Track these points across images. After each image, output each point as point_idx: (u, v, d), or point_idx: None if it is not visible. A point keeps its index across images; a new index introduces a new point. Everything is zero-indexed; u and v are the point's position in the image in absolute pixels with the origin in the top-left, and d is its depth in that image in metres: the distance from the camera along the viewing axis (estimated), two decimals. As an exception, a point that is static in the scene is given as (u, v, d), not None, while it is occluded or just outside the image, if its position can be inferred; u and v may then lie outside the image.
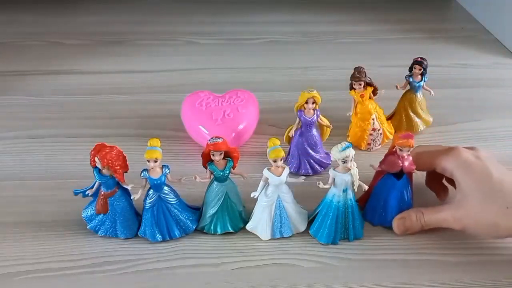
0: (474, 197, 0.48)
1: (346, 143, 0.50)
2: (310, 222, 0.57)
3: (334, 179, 0.53)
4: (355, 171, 0.52)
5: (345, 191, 0.53)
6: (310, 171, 0.65)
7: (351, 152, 0.50)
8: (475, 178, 0.49)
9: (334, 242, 0.55)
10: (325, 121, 0.64)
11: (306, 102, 0.61)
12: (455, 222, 0.50)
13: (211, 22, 1.15)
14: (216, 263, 0.53)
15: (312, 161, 0.65)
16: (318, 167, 0.65)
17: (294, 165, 0.65)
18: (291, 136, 0.65)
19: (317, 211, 0.56)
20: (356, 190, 0.54)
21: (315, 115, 0.62)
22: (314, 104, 0.61)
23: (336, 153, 0.51)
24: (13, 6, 1.20)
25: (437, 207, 0.52)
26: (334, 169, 0.53)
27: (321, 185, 0.53)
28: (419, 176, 0.58)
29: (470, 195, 0.49)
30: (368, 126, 0.68)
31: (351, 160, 0.51)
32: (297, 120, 0.63)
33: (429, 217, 0.51)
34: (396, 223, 0.54)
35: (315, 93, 0.61)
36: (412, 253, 0.54)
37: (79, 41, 1.05)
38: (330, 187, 0.54)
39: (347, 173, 0.52)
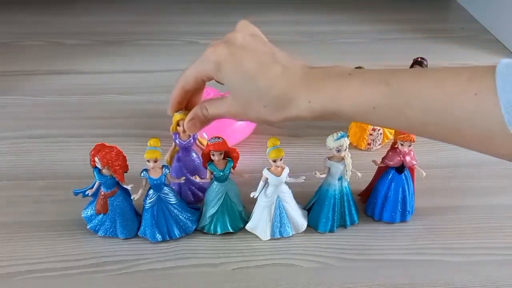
0: (236, 95, 0.45)
1: (341, 132, 0.52)
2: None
3: (329, 169, 0.54)
4: (348, 160, 0.53)
5: (340, 179, 0.55)
6: (191, 198, 0.61)
7: (345, 141, 0.52)
8: (231, 78, 0.44)
9: (331, 230, 0.56)
10: (205, 144, 0.56)
11: (178, 125, 0.55)
12: (232, 116, 0.47)
13: (211, 22, 1.15)
14: (216, 263, 0.53)
15: (193, 187, 0.61)
16: (200, 194, 0.61)
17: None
18: (170, 160, 0.59)
19: (313, 202, 0.57)
20: (348, 179, 0.55)
21: (191, 138, 0.57)
22: None
23: (331, 142, 0.52)
24: (13, 6, 1.20)
25: (218, 101, 0.48)
26: (328, 159, 0.54)
27: (318, 174, 0.54)
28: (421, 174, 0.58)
29: (233, 93, 0.45)
30: (368, 126, 0.68)
31: (345, 149, 0.52)
32: (173, 144, 0.58)
33: (213, 112, 0.48)
34: (187, 125, 0.50)
35: (184, 115, 0.53)
36: (412, 253, 0.54)
37: (79, 41, 1.05)
38: (325, 176, 0.55)
39: (341, 162, 0.53)
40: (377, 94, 0.39)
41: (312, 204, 0.57)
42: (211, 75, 0.46)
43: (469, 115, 0.36)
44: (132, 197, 0.54)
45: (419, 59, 0.70)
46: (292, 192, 0.55)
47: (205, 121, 0.49)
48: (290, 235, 0.56)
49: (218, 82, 0.46)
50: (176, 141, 0.57)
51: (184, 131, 0.55)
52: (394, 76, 0.40)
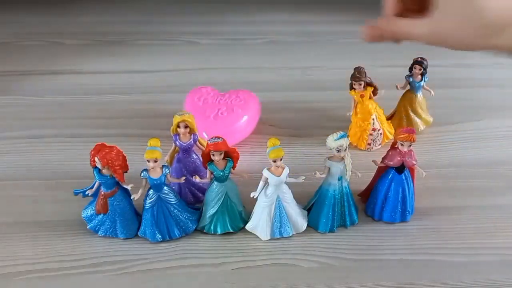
0: (448, 13, 0.42)
1: (341, 132, 0.52)
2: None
3: (329, 169, 0.54)
4: (348, 160, 0.53)
5: (340, 179, 0.55)
6: (191, 199, 0.60)
7: (345, 141, 0.52)
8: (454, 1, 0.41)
9: (331, 230, 0.56)
10: (205, 145, 0.56)
11: (178, 126, 0.56)
12: (428, 37, 0.44)
13: (211, 22, 1.15)
14: (216, 263, 0.53)
15: (193, 188, 0.60)
16: (200, 195, 0.60)
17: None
18: (170, 160, 0.59)
19: (313, 202, 0.57)
20: (349, 180, 0.55)
21: (191, 139, 0.57)
22: (188, 128, 0.56)
23: (331, 142, 0.52)
24: (13, 6, 1.20)
25: (416, 21, 0.44)
26: (328, 159, 0.54)
27: (318, 174, 0.54)
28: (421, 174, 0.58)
29: (448, 13, 0.42)
30: (368, 126, 0.68)
31: (345, 149, 0.52)
32: (173, 145, 0.58)
33: (405, 30, 0.45)
34: (365, 31, 0.47)
35: (186, 116, 0.55)
36: (412, 253, 0.54)
37: (79, 41, 1.05)
38: (325, 176, 0.55)
39: (341, 162, 0.53)
40: None
41: (312, 204, 0.57)
42: None
43: None
44: (132, 197, 0.54)
45: (419, 59, 0.70)
46: (292, 192, 0.55)
47: (384, 37, 0.46)
48: (290, 235, 0.56)
49: None
50: (177, 142, 0.57)
51: (184, 133, 0.55)
52: None
